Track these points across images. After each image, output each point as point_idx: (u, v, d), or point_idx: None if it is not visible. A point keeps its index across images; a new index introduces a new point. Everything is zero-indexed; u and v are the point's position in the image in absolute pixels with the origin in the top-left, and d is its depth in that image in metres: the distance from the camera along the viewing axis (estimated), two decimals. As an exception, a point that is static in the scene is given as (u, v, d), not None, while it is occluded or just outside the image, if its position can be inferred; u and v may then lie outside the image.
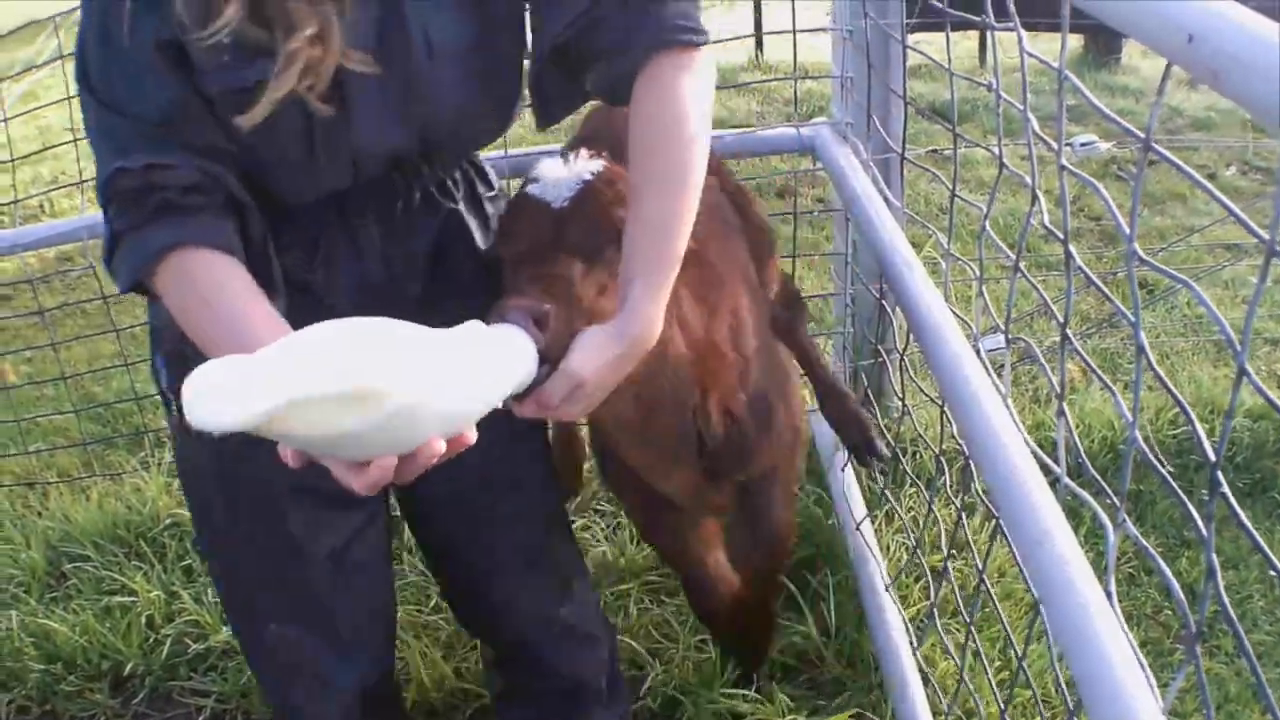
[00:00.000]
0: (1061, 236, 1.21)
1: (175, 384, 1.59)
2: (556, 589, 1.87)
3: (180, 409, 1.55)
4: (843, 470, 2.76)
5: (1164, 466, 1.12)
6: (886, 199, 2.18)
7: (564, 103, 1.58)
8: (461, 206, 1.65)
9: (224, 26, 1.27)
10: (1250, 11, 0.86)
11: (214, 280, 1.35)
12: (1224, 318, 0.89)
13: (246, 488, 1.65)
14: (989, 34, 1.46)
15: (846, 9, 2.56)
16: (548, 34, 1.45)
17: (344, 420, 1.04)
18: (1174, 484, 1.04)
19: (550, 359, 1.29)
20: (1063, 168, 1.20)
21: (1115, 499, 1.12)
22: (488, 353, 1.21)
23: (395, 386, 1.05)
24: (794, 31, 2.67)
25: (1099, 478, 1.23)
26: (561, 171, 1.51)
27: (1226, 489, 0.89)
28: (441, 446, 1.14)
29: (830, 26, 2.66)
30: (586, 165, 1.52)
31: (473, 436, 1.19)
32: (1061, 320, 1.24)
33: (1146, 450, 1.08)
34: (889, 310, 2.53)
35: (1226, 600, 0.92)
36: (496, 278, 1.51)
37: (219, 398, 1.01)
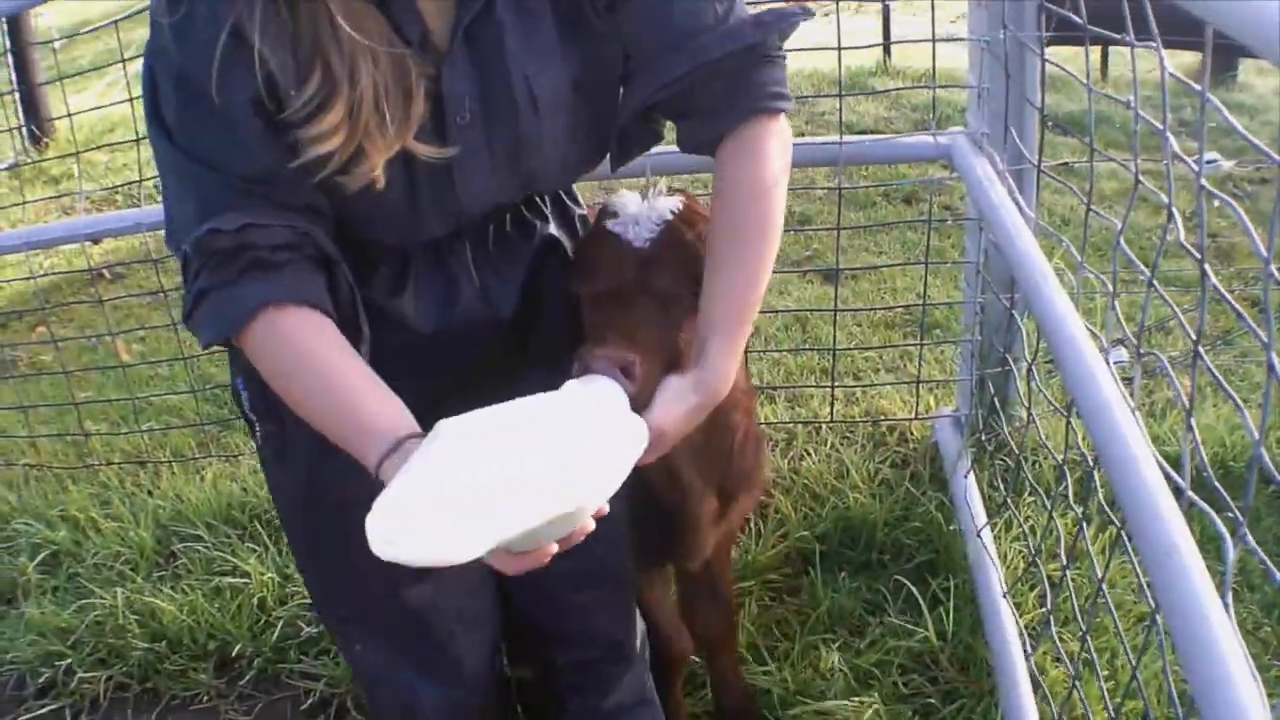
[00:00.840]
0: (1198, 256, 1.24)
1: (257, 405, 1.57)
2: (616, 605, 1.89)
3: (262, 432, 1.58)
4: (965, 477, 2.77)
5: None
6: (1021, 210, 2.19)
7: (642, 147, 1.58)
8: (553, 227, 1.64)
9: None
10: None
11: (306, 339, 1.31)
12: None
13: (334, 524, 1.54)
14: (1112, 49, 1.48)
15: (984, 20, 2.56)
16: (642, 93, 1.43)
17: (534, 535, 1.10)
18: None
19: (637, 408, 1.30)
20: (1201, 188, 1.23)
21: (1238, 513, 1.14)
22: (606, 421, 1.24)
23: (586, 499, 1.12)
24: (933, 40, 2.69)
25: (1222, 491, 1.24)
26: (641, 208, 1.52)
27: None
28: (591, 524, 1.19)
29: (968, 36, 2.67)
30: (667, 203, 1.52)
31: (606, 506, 1.21)
32: (1194, 336, 1.26)
33: (1272, 468, 1.10)
34: (1018, 319, 2.54)
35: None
36: (575, 311, 1.52)
37: (420, 534, 1.02)
